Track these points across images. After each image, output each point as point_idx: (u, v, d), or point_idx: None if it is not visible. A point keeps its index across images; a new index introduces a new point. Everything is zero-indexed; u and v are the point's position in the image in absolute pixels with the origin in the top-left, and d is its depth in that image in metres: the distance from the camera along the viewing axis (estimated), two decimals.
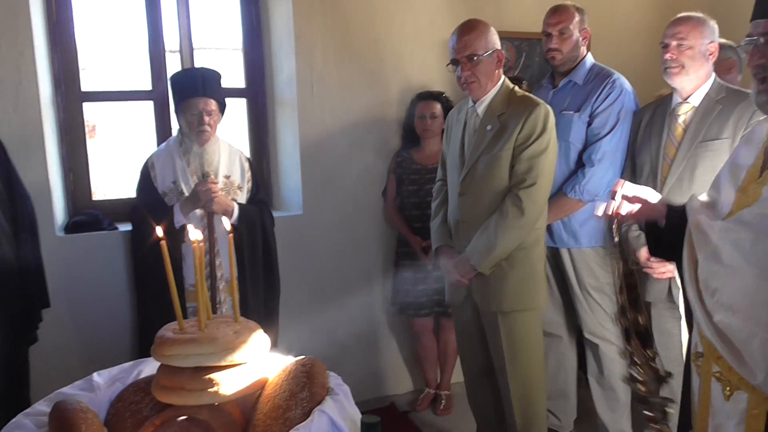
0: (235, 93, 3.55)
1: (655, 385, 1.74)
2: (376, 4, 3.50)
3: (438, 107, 3.44)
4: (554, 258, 3.07)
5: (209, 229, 2.73)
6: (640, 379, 1.76)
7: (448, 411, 3.62)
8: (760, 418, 1.43)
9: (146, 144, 3.44)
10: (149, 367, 1.55)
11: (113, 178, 4.66)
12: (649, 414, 1.76)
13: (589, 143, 2.90)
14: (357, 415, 1.34)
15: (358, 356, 3.67)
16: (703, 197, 1.69)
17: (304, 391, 1.32)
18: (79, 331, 2.94)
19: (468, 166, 2.57)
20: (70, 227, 3.07)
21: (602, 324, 3.00)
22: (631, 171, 2.83)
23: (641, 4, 4.17)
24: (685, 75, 2.57)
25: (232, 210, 2.78)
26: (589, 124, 2.90)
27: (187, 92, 2.76)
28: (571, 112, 2.93)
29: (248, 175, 2.96)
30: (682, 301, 2.50)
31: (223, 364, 1.35)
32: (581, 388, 3.29)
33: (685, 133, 2.62)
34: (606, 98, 2.88)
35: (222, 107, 2.86)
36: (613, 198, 1.78)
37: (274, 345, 1.81)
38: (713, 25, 2.57)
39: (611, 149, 2.84)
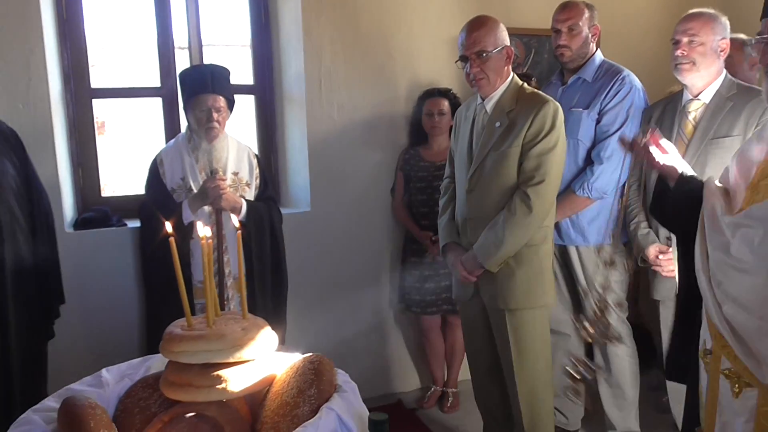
0: (244, 90, 3.55)
1: (600, 333, 1.74)
2: (385, 0, 3.49)
3: (446, 104, 3.43)
4: (562, 256, 3.06)
5: (217, 225, 2.74)
6: (590, 329, 1.76)
7: (456, 408, 3.62)
8: None
9: (155, 140, 3.44)
10: (158, 363, 1.56)
11: (122, 175, 4.68)
12: (572, 372, 1.79)
13: (597, 140, 2.89)
14: (365, 412, 1.34)
15: (365, 353, 3.67)
16: (717, 183, 1.69)
17: (311, 388, 1.32)
18: (88, 328, 2.95)
19: (476, 163, 2.56)
20: (79, 224, 3.08)
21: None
22: (640, 169, 2.81)
23: (652, 0, 4.14)
24: (696, 71, 2.55)
25: (241, 207, 2.78)
26: (598, 121, 2.88)
27: (196, 89, 2.76)
28: (580, 109, 2.91)
29: (256, 171, 2.96)
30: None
31: (231, 360, 1.36)
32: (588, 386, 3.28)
33: (695, 130, 2.61)
34: (615, 95, 2.86)
35: (231, 104, 2.87)
36: (645, 138, 1.79)
37: (282, 342, 1.81)
38: (725, 21, 2.55)
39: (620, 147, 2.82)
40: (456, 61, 2.58)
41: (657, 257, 2.71)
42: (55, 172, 2.87)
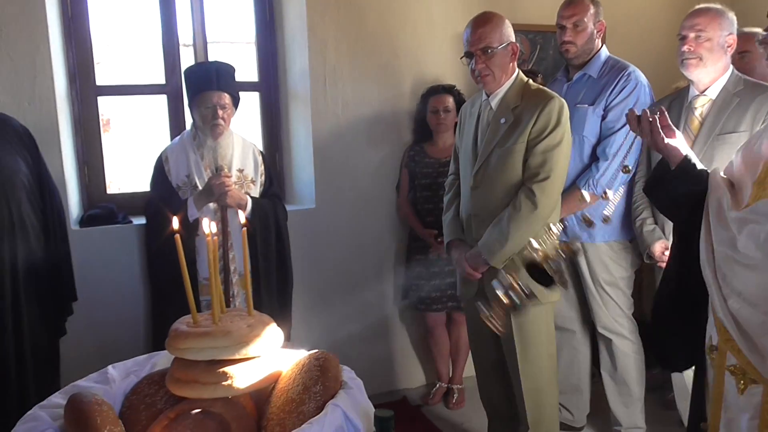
0: (248, 87, 3.55)
1: (553, 253, 1.64)
2: None
3: (451, 100, 3.42)
4: None
5: (223, 222, 2.74)
6: (539, 247, 1.67)
7: (461, 405, 3.62)
8: None
9: (160, 138, 3.45)
10: (163, 360, 1.56)
11: (128, 172, 4.69)
12: (500, 295, 1.67)
13: (603, 137, 2.88)
14: (370, 409, 1.34)
15: (370, 350, 3.67)
16: (724, 174, 1.68)
17: (317, 384, 1.32)
18: (93, 324, 2.96)
19: (481, 160, 2.56)
20: (85, 221, 3.09)
21: (616, 319, 2.99)
22: (647, 165, 2.80)
23: None
24: (702, 67, 2.54)
25: (246, 204, 2.78)
26: (604, 117, 2.88)
27: (201, 86, 2.76)
28: (586, 106, 2.90)
29: (261, 168, 2.96)
30: None
31: (236, 357, 1.36)
32: (594, 383, 3.28)
33: (701, 126, 2.60)
34: (621, 91, 2.85)
35: (236, 101, 2.87)
36: (653, 113, 1.77)
37: (287, 338, 1.81)
38: (732, 17, 2.54)
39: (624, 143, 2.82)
40: (461, 58, 2.58)
41: (663, 254, 2.70)
42: (60, 169, 2.88)
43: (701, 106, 2.62)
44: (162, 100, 3.40)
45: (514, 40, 2.52)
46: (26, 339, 2.37)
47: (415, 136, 3.61)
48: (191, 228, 2.70)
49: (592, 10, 2.90)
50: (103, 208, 3.15)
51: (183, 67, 3.13)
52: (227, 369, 1.35)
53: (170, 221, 1.51)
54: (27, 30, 2.80)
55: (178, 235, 1.42)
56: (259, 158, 2.97)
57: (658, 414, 3.11)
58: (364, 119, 3.52)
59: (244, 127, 3.30)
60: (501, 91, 2.55)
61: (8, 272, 2.31)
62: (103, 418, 1.24)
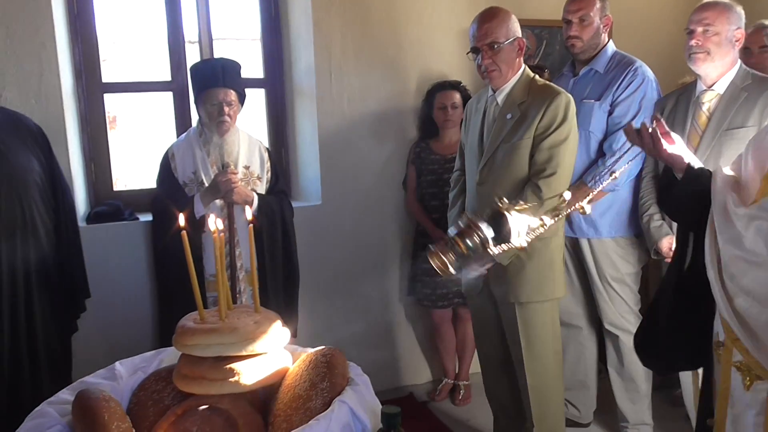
0: (254, 83, 3.55)
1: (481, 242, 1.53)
2: None
3: (458, 96, 3.42)
4: (574, 248, 3.04)
5: (229, 219, 2.75)
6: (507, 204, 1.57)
7: (467, 401, 3.62)
8: None
9: (166, 135, 3.46)
10: (170, 356, 1.56)
11: (134, 169, 4.69)
12: (458, 237, 1.51)
13: (609, 132, 2.87)
14: (377, 405, 1.34)
15: (376, 346, 3.68)
16: (728, 171, 1.66)
17: (324, 381, 1.32)
18: (100, 321, 2.97)
19: (487, 156, 2.55)
20: (92, 218, 3.10)
21: (623, 315, 2.98)
22: (654, 161, 2.79)
23: None
24: (710, 62, 2.52)
25: (252, 200, 2.78)
26: (610, 113, 2.86)
27: (207, 83, 2.76)
28: (592, 101, 2.89)
29: (267, 165, 2.96)
30: None
31: (243, 354, 1.36)
32: (601, 379, 3.27)
33: (709, 121, 2.58)
34: (627, 86, 2.84)
35: (242, 98, 2.87)
36: (652, 123, 1.76)
37: (294, 335, 1.81)
38: (740, 11, 2.52)
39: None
40: (467, 53, 2.57)
41: (670, 249, 2.69)
42: (67, 166, 2.89)
43: (709, 101, 2.60)
44: (168, 97, 3.40)
45: (520, 36, 2.52)
46: (39, 336, 2.39)
47: (421, 133, 3.61)
48: (197, 225, 2.70)
49: (598, 5, 2.89)
50: (110, 205, 3.16)
51: (189, 64, 3.13)
52: (234, 365, 1.35)
53: (177, 218, 1.51)
54: (33, 27, 2.81)
55: (184, 232, 1.43)
56: (266, 155, 2.97)
57: (665, 410, 3.10)
58: (369, 115, 3.52)
59: (249, 123, 3.31)
60: (507, 87, 2.54)
61: (21, 270, 2.33)
62: (110, 414, 1.24)
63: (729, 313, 1.49)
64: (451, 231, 1.51)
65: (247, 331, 1.37)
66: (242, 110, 2.90)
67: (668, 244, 2.70)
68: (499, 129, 2.53)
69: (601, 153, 2.89)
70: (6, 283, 2.29)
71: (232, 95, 2.79)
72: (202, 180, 2.79)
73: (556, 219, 1.58)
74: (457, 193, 2.80)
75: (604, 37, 2.95)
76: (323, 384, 1.31)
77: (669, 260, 2.69)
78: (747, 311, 1.46)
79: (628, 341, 2.98)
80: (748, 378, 1.50)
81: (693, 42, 2.53)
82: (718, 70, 2.56)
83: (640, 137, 1.78)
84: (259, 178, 2.91)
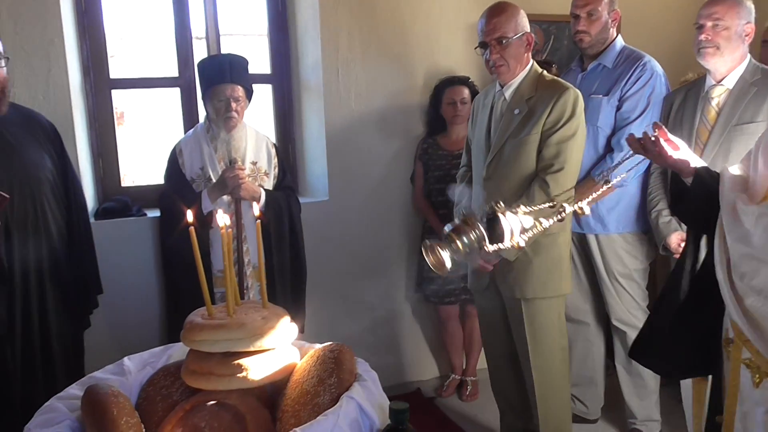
0: (261, 79, 3.55)
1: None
2: None
3: (467, 92, 3.41)
4: (581, 244, 3.03)
5: (236, 215, 2.75)
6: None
7: (474, 397, 3.62)
8: None
9: (174, 131, 3.46)
10: (179, 351, 1.56)
11: (142, 165, 4.71)
12: (454, 234, 1.51)
13: (617, 128, 2.85)
14: (385, 401, 1.34)
15: (383, 342, 3.68)
16: (735, 170, 1.65)
17: (332, 377, 1.32)
18: (109, 316, 2.98)
19: (494, 151, 2.54)
20: (100, 213, 3.11)
21: (630, 311, 2.97)
22: None
23: None
24: (720, 56, 2.51)
25: (260, 196, 2.79)
26: (618, 108, 2.85)
27: (215, 79, 2.76)
28: (600, 96, 2.87)
29: (275, 161, 2.96)
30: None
31: (251, 349, 1.36)
32: (609, 375, 3.26)
33: (718, 116, 2.56)
34: (636, 82, 2.82)
35: (249, 94, 2.87)
36: (654, 131, 1.75)
37: (301, 331, 1.82)
38: (750, 5, 2.50)
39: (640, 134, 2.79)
40: (475, 48, 2.56)
41: (679, 245, 2.67)
42: (75, 162, 2.89)
43: (718, 96, 2.59)
44: (175, 92, 3.41)
45: (529, 31, 2.51)
46: (53, 333, 2.41)
47: (428, 129, 3.60)
48: (205, 221, 2.71)
49: None
50: (118, 201, 3.17)
51: (196, 60, 3.13)
52: (242, 361, 1.36)
53: (184, 214, 1.51)
54: (41, 23, 2.81)
55: (192, 228, 1.43)
56: (273, 151, 2.98)
57: (673, 406, 3.08)
58: (377, 111, 3.51)
59: (257, 119, 3.31)
60: (515, 82, 2.53)
61: (33, 266, 2.34)
62: (119, 409, 1.25)
63: (739, 313, 1.48)
64: (448, 227, 1.50)
65: (255, 327, 1.37)
66: (249, 106, 2.90)
67: (677, 239, 2.69)
68: (506, 124, 2.52)
69: (608, 148, 2.87)
70: (18, 280, 2.30)
71: (240, 91, 2.79)
72: (210, 176, 2.80)
73: (554, 221, 1.57)
74: (463, 189, 2.79)
75: (613, 31, 2.93)
76: (331, 380, 1.32)
77: (677, 256, 2.68)
78: (759, 310, 1.45)
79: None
80: (757, 375, 1.49)
81: (702, 37, 2.51)
82: (727, 65, 2.54)
83: (642, 147, 1.76)
84: (266, 174, 2.91)
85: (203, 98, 2.86)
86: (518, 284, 2.54)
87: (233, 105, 2.76)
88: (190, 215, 1.49)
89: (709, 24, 2.49)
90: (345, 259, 3.54)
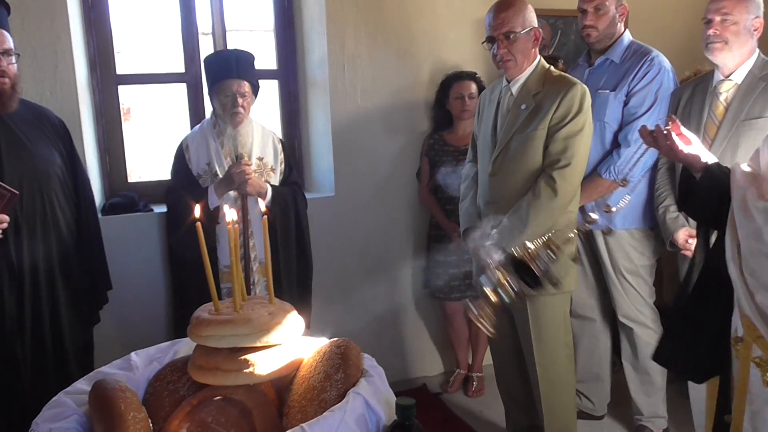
0: (267, 75, 3.55)
1: (543, 254, 1.61)
2: None
3: (474, 87, 3.40)
4: (588, 240, 3.03)
5: (243, 210, 2.75)
6: (532, 247, 1.64)
7: (480, 393, 3.62)
8: None
9: (180, 126, 3.47)
10: (186, 347, 1.57)
11: (148, 160, 4.72)
12: (492, 293, 1.60)
13: (625, 123, 2.84)
14: (391, 397, 1.34)
15: (389, 338, 3.68)
16: (745, 168, 1.64)
17: (338, 372, 1.32)
18: (116, 311, 2.99)
19: (500, 146, 2.53)
20: (107, 209, 3.12)
21: (637, 307, 2.96)
22: None
23: None
24: (728, 51, 2.49)
25: (266, 192, 2.79)
26: (626, 103, 2.83)
27: (221, 74, 2.76)
28: (607, 91, 2.86)
29: (281, 156, 2.96)
30: None
31: (258, 345, 1.36)
32: (615, 371, 3.26)
33: (726, 111, 2.55)
34: (644, 77, 2.81)
35: (255, 89, 2.87)
36: (666, 125, 1.74)
37: (307, 327, 1.82)
38: (758, 0, 2.49)
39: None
40: (483, 42, 2.55)
41: (687, 241, 2.66)
42: (82, 158, 2.90)
43: (726, 91, 2.57)
44: (182, 88, 3.41)
45: (536, 26, 2.49)
46: (65, 328, 2.42)
47: (434, 124, 3.59)
48: (211, 216, 2.71)
49: None
50: (125, 197, 3.18)
51: (202, 56, 3.13)
52: (249, 356, 1.36)
53: (191, 209, 1.51)
54: (48, 19, 2.82)
55: (199, 224, 1.43)
56: (279, 146, 2.98)
57: (680, 403, 3.08)
58: (383, 106, 3.51)
59: (263, 115, 3.31)
60: (522, 77, 2.52)
61: (43, 263, 2.35)
62: (127, 404, 1.25)
63: (752, 308, 1.47)
64: (485, 285, 1.56)
65: (262, 323, 1.37)
66: (256, 101, 2.90)
67: (684, 235, 2.68)
68: (513, 119, 2.51)
69: (616, 144, 2.86)
70: (28, 275, 2.31)
71: (246, 86, 2.79)
72: (216, 171, 2.80)
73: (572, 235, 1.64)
74: (468, 185, 2.78)
75: (620, 26, 2.92)
76: (337, 375, 1.32)
77: (685, 252, 2.67)
78: None
79: (642, 334, 2.96)
80: (767, 374, 1.48)
81: (711, 31, 2.49)
82: (735, 60, 2.52)
83: (654, 139, 1.76)
84: (272, 170, 2.91)
85: (209, 94, 2.86)
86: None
87: (239, 100, 2.76)
88: (198, 210, 1.49)
89: (718, 19, 2.48)
90: (351, 255, 3.55)
